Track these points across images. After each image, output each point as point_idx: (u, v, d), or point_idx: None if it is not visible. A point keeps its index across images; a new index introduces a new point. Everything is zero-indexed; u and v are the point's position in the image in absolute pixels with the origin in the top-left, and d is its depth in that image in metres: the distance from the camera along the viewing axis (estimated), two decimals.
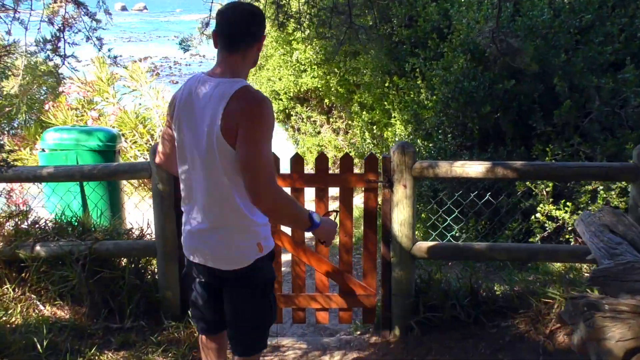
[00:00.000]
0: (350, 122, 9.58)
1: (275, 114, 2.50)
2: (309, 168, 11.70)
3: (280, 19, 4.28)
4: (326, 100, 9.87)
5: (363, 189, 3.93)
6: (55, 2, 4.77)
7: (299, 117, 11.24)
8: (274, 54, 10.50)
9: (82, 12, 4.69)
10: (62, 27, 4.68)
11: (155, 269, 4.03)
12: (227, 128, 2.09)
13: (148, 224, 4.22)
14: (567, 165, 3.67)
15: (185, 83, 2.32)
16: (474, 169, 3.64)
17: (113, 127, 9.01)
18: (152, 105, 9.30)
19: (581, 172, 3.60)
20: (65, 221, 4.12)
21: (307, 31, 5.02)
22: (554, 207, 4.70)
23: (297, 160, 3.95)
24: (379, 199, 4.05)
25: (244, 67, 2.26)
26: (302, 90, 10.19)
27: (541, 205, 4.76)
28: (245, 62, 2.25)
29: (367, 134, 6.64)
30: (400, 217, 3.74)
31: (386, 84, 6.42)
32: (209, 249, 2.31)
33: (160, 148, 2.49)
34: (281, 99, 10.96)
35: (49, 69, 9.70)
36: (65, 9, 4.74)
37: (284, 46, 10.12)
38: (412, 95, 5.89)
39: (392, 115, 6.65)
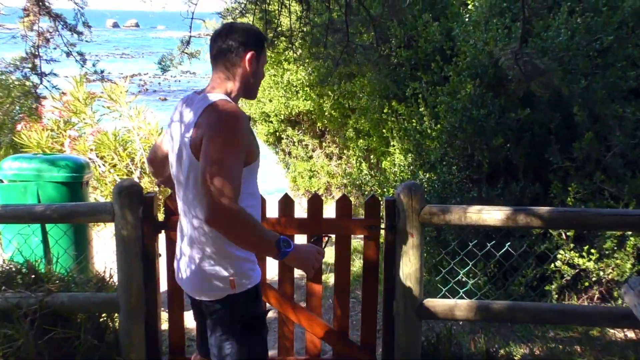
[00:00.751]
0: (344, 148, 9.04)
1: (254, 133, 2.33)
2: (300, 195, 11.20)
3: (269, 37, 3.75)
4: (319, 124, 9.33)
5: (363, 236, 3.41)
6: (27, 15, 4.22)
7: (290, 140, 10.70)
8: (264, 74, 9.97)
9: (60, 26, 4.15)
10: (37, 43, 4.14)
11: (118, 327, 3.46)
12: (196, 143, 2.03)
13: (111, 273, 3.65)
14: (601, 213, 3.12)
15: (179, 102, 2.29)
16: (492, 215, 3.12)
17: (91, 149, 8.43)
18: (132, 126, 8.72)
19: (618, 222, 3.06)
20: (13, 268, 3.53)
21: (300, 51, 4.48)
22: (576, 254, 4.15)
23: (287, 203, 3.41)
24: (382, 247, 3.51)
25: (231, 84, 2.18)
26: (293, 112, 9.66)
27: (561, 251, 4.21)
28: (231, 78, 2.18)
29: (363, 164, 6.09)
30: (406, 270, 3.23)
31: (385, 110, 5.89)
32: (184, 274, 2.26)
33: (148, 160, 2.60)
34: (271, 121, 10.43)
35: (23, 88, 9.12)
36: (38, 23, 4.19)
37: (275, 66, 9.61)
38: (413, 123, 5.35)
39: (391, 144, 6.12)
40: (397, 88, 6.17)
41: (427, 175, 5.60)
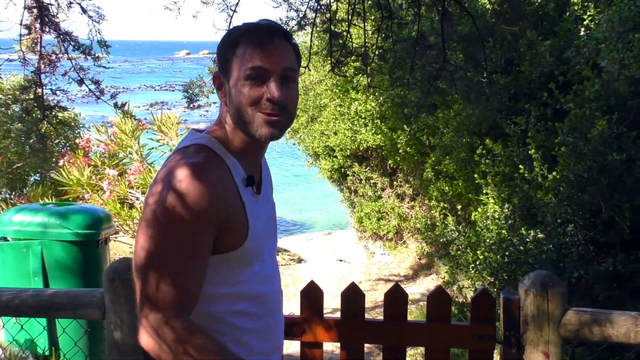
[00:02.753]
0: (420, 189, 7.84)
1: (243, 199, 1.43)
2: (367, 237, 10.03)
3: (335, 57, 2.69)
4: (390, 161, 8.17)
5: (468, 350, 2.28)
6: (30, 32, 3.33)
7: (356, 177, 9.57)
8: (329, 105, 8.94)
9: (68, 46, 3.23)
10: (38, 67, 3.23)
11: None
12: None
13: None
14: None
15: None
16: None
17: (134, 186, 7.59)
18: None
19: None
20: None
21: (371, 75, 3.40)
22: None
23: (354, 295, 2.31)
24: None
25: (221, 120, 1.48)
26: (361, 147, 8.55)
27: None
28: (221, 114, 1.48)
29: (450, 218, 4.89)
30: None
31: (478, 151, 4.69)
32: None
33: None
34: (336, 156, 9.36)
35: (66, 118, 8.43)
36: (40, 43, 3.27)
37: (341, 95, 8.56)
38: (520, 170, 4.12)
39: (484, 191, 4.90)
40: (492, 123, 4.96)
41: (533, 234, 4.34)
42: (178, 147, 1.44)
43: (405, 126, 6.87)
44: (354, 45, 2.83)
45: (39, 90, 3.17)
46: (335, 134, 8.96)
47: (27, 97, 3.23)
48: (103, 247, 3.99)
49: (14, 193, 8.30)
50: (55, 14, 2.66)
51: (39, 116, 3.33)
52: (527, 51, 4.89)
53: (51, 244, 3.77)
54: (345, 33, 2.66)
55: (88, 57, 2.74)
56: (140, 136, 8.11)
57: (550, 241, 4.12)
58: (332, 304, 6.95)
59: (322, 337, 2.32)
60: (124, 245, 7.59)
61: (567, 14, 5.01)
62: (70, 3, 2.67)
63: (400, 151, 7.33)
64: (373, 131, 7.96)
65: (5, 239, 3.87)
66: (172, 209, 1.29)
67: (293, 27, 3.01)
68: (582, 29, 4.68)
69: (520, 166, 4.14)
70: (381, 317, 2.31)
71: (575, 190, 3.71)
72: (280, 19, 3.08)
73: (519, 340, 2.14)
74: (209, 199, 1.31)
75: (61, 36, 2.64)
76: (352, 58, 2.84)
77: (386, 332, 2.29)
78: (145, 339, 1.32)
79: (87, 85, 2.82)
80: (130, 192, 7.54)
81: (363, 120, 8.22)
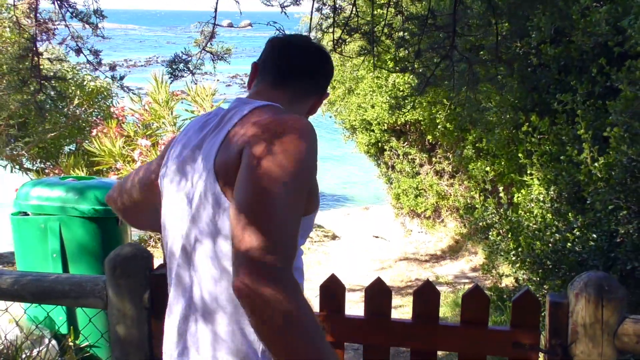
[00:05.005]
0: (459, 166, 7.49)
1: (316, 153, 1.30)
2: (404, 214, 9.72)
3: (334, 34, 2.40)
4: (429, 137, 7.82)
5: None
6: None
7: (394, 152, 9.25)
8: (366, 76, 8.59)
9: (66, 12, 3.03)
10: (34, 34, 3.04)
11: None
12: (227, 164, 1.28)
13: None
14: None
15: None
16: None
17: None
18: None
19: None
20: None
21: (377, 55, 3.08)
22: None
23: (380, 291, 2.08)
24: None
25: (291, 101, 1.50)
26: (399, 122, 8.21)
27: None
28: (293, 106, 1.49)
29: (490, 200, 4.55)
30: None
31: (524, 128, 4.34)
32: None
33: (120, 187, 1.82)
34: (373, 130, 9.04)
35: (99, 87, 8.33)
36: (36, 8, 3.07)
37: (378, 67, 8.21)
38: (567, 151, 3.77)
39: (528, 172, 4.56)
40: (537, 98, 4.59)
41: (580, 220, 4.01)
42: (255, 105, 1.39)
43: (445, 100, 6.51)
44: (360, 21, 2.50)
45: (36, 59, 2.95)
46: (373, 107, 8.63)
47: (23, 66, 3.02)
48: (124, 224, 3.84)
49: (48, 163, 8.29)
50: None
51: (36, 87, 3.11)
52: (580, 19, 4.47)
53: (69, 220, 3.64)
54: (350, 5, 2.36)
55: (86, 25, 2.53)
56: (174, 107, 7.96)
57: (600, 228, 3.80)
58: (364, 282, 6.74)
59: (343, 337, 2.10)
60: None
61: None
62: None
63: (439, 127, 6.99)
64: (411, 105, 7.62)
65: (25, 213, 3.75)
66: (301, 163, 1.24)
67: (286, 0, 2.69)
68: None
69: (567, 147, 3.80)
70: (409, 315, 2.07)
71: (628, 175, 3.36)
72: None
73: (566, 350, 1.87)
74: (316, 156, 1.32)
75: (58, 2, 2.44)
76: (357, 36, 2.53)
77: (415, 335, 2.04)
78: (257, 287, 1.11)
79: (85, 55, 2.61)
80: None
81: (401, 93, 7.88)
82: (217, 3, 2.49)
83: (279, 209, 1.18)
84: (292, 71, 1.52)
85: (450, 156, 7.76)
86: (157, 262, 2.15)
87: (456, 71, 2.79)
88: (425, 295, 2.02)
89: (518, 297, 1.99)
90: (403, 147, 8.99)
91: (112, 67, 2.78)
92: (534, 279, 4.16)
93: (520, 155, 4.57)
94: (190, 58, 2.59)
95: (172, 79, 2.66)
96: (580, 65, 4.58)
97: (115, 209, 1.83)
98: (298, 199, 1.23)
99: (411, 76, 7.25)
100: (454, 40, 2.17)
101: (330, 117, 10.45)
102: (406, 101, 7.16)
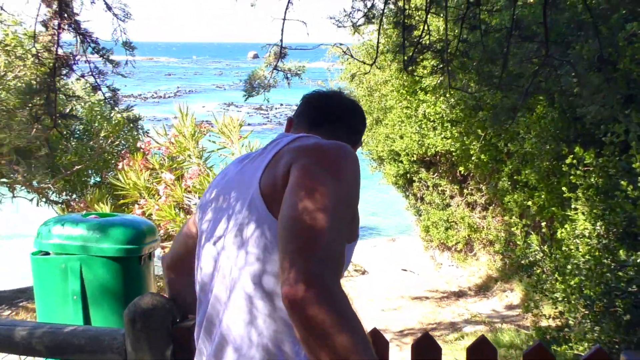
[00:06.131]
0: (493, 198, 7.21)
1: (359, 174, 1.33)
2: (434, 247, 9.43)
3: (408, 54, 2.23)
4: (461, 168, 7.57)
5: None
6: (47, 29, 3.00)
7: (423, 184, 9.01)
8: (395, 106, 8.40)
9: (87, 46, 2.90)
10: (54, 68, 2.89)
11: None
12: (275, 181, 1.31)
13: None
14: None
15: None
16: None
17: (191, 190, 7.31)
18: None
19: None
20: None
21: (452, 74, 2.88)
22: None
23: (428, 347, 1.86)
24: None
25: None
26: (428, 152, 7.98)
27: None
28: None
29: (533, 236, 4.27)
30: None
31: (568, 160, 4.09)
32: None
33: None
34: (401, 161, 8.82)
35: (123, 120, 8.26)
36: (57, 41, 2.93)
37: (408, 97, 8.02)
38: (623, 185, 3.51)
39: (573, 206, 4.28)
40: (582, 128, 4.34)
41: (633, 257, 3.73)
42: (300, 135, 1.43)
43: (479, 131, 6.28)
44: (431, 39, 2.34)
45: (52, 94, 2.81)
46: (401, 137, 8.43)
47: (37, 101, 2.89)
48: (146, 263, 3.66)
49: (73, 196, 8.22)
50: (76, 10, 2.32)
51: (49, 124, 2.96)
52: (627, 46, 4.24)
53: (90, 260, 3.46)
54: (421, 24, 2.18)
55: (107, 62, 2.39)
56: (200, 138, 7.83)
57: None
58: (394, 324, 6.45)
59: None
60: None
61: None
62: None
63: (473, 158, 6.74)
64: (442, 135, 7.40)
65: (46, 252, 3.60)
66: (349, 186, 1.28)
67: (359, 20, 2.56)
68: None
69: (622, 182, 3.53)
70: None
71: None
72: (345, 10, 2.63)
73: None
74: (359, 183, 1.35)
75: (80, 35, 2.30)
76: (428, 54, 2.36)
77: None
78: (310, 296, 1.11)
79: (103, 93, 2.47)
80: (186, 197, 7.28)
81: (432, 123, 7.67)
82: (283, 24, 2.35)
83: (327, 227, 1.18)
84: (327, 118, 1.61)
85: (484, 188, 7.49)
86: None
87: (559, 74, 2.61)
88: (479, 352, 1.79)
89: (589, 356, 1.74)
90: (433, 178, 8.74)
91: (129, 108, 2.65)
92: (584, 321, 3.87)
93: (564, 188, 4.30)
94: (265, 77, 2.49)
95: (246, 97, 2.61)
96: (626, 94, 4.33)
97: (175, 273, 1.81)
98: (343, 221, 1.25)
99: (442, 106, 7.05)
100: (548, 48, 1.98)
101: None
102: (436, 131, 6.93)
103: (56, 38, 2.40)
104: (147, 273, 3.67)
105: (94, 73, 2.47)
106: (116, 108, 2.66)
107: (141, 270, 3.60)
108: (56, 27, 2.36)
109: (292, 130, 1.62)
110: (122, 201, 7.48)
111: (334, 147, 1.33)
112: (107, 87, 2.52)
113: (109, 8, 2.35)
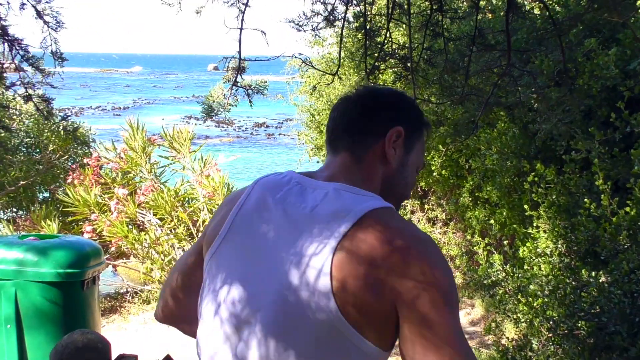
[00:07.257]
0: (454, 215, 7.15)
1: None
2: None
3: (371, 61, 2.12)
4: (422, 183, 7.50)
5: None
6: None
7: None
8: None
9: (17, 55, 2.68)
10: None
11: None
12: (353, 290, 1.02)
13: None
14: None
15: (256, 182, 1.24)
16: None
17: (147, 206, 7.03)
18: (195, 181, 7.29)
19: None
20: None
21: (416, 84, 2.76)
22: None
23: None
24: None
25: (364, 176, 1.21)
26: None
27: None
28: (365, 168, 1.22)
29: (496, 255, 4.17)
30: None
31: (529, 178, 4.01)
32: None
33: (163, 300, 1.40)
34: None
35: (71, 133, 7.93)
36: None
37: None
38: (586, 204, 3.44)
39: (534, 224, 4.21)
40: (541, 146, 4.28)
41: (594, 276, 3.66)
42: (367, 199, 1.12)
43: (440, 146, 6.21)
44: (394, 46, 2.22)
45: None
46: None
47: None
48: (90, 287, 3.42)
49: (19, 212, 7.83)
50: (4, 16, 2.12)
51: None
52: (586, 62, 4.21)
53: (27, 285, 3.21)
54: (384, 30, 2.06)
55: (37, 70, 2.19)
56: (151, 152, 7.58)
57: (618, 287, 3.45)
58: None
59: None
60: (133, 272, 7.03)
61: (633, 19, 4.34)
62: (23, 4, 2.13)
63: (434, 173, 6.66)
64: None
65: None
66: (451, 286, 1.09)
67: (319, 23, 2.42)
68: None
69: (585, 200, 3.47)
70: None
71: None
72: (304, 14, 2.48)
73: None
74: None
75: (8, 42, 2.10)
76: (392, 62, 2.24)
77: None
78: None
79: (35, 103, 2.27)
80: (139, 213, 7.00)
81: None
82: (240, 35, 2.18)
83: (454, 332, 1.03)
84: (340, 131, 1.29)
85: (445, 203, 7.42)
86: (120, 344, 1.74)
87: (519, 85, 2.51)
88: None
89: None
90: None
91: (65, 117, 2.44)
92: (546, 344, 3.78)
93: (526, 207, 4.23)
94: (224, 96, 2.30)
95: (204, 117, 2.42)
96: (585, 111, 4.30)
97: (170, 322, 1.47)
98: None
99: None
100: (510, 57, 1.87)
101: (318, 161, 10.12)
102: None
103: None
104: (90, 299, 3.43)
105: (24, 82, 2.26)
106: (54, 119, 2.45)
107: (84, 296, 3.37)
108: None
109: (328, 155, 1.30)
110: (71, 218, 7.15)
111: (426, 255, 1.07)
112: (39, 96, 2.31)
113: (40, 15, 2.16)
